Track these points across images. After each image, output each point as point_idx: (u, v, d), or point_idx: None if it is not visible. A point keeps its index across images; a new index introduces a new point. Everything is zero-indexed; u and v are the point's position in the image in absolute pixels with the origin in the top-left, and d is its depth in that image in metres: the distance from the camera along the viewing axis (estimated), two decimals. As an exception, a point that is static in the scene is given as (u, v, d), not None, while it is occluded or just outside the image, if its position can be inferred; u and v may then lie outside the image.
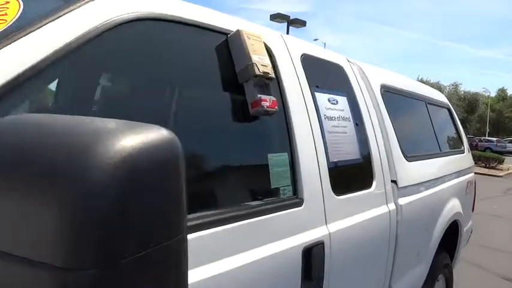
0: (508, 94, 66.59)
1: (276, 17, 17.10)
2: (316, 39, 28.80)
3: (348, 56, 2.74)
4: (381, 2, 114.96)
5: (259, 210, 1.24)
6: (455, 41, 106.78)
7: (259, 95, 1.25)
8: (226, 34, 1.31)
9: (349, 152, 1.75)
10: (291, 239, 1.30)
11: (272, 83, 1.37)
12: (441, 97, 3.54)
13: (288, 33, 16.71)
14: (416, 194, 2.29)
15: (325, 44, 27.73)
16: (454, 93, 26.85)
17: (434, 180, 2.60)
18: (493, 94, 56.97)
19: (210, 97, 1.28)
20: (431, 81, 26.02)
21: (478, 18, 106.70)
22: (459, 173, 3.32)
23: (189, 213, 0.60)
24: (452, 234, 3.11)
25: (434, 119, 3.06)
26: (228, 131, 1.27)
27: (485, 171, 17.14)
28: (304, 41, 1.75)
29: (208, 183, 1.19)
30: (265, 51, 1.34)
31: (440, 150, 2.95)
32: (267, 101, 1.26)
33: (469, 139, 20.72)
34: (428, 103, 3.03)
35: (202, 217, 1.03)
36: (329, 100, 1.71)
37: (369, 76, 2.18)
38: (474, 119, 33.32)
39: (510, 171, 17.99)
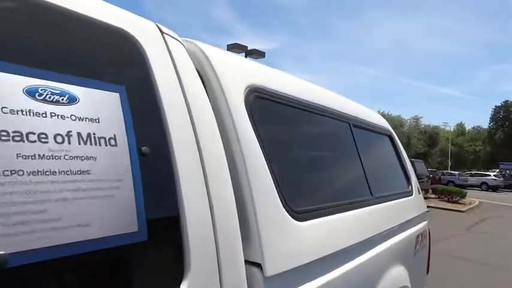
0: (467, 129, 69.60)
1: (233, 47, 16.56)
2: (281, 73, 28.56)
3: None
4: (348, 43, 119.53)
5: None
6: (416, 78, 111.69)
7: None
8: None
9: (91, 219, 0.71)
10: None
11: None
12: (378, 119, 2.63)
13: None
14: (311, 280, 1.27)
15: (289, 77, 27.44)
16: (415, 127, 26.84)
17: (354, 246, 1.60)
18: (452, 129, 59.20)
19: None
20: (393, 115, 26.01)
21: (436, 58, 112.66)
22: (404, 225, 2.36)
23: None
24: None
25: (364, 148, 2.12)
26: None
27: (448, 205, 16.66)
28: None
29: None
30: None
31: (371, 194, 1.98)
32: None
33: (432, 172, 20.60)
34: (355, 125, 2.09)
35: None
36: (33, 93, 0.69)
37: (218, 66, 1.19)
38: (436, 153, 33.62)
39: (472, 205, 17.59)
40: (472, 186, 31.76)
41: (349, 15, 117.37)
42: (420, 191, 2.94)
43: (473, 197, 20.84)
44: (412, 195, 2.70)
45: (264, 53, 17.48)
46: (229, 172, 1.08)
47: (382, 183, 2.29)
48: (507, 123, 66.94)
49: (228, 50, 16.31)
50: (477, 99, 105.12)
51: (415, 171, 13.13)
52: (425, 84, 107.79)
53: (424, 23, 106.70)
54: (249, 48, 16.80)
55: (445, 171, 35.43)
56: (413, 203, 2.69)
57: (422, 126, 27.84)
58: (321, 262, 1.34)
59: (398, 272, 2.13)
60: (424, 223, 2.82)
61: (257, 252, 1.08)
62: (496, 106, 69.84)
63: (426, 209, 2.96)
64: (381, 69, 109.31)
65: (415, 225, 2.56)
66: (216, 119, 1.15)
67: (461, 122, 69.11)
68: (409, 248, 2.37)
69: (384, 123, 2.72)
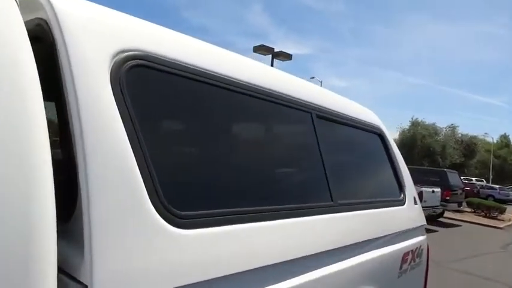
0: (511, 141, 65.60)
1: (260, 49, 16.30)
2: (313, 77, 28.05)
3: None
4: (385, 49, 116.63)
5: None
6: (457, 87, 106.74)
7: None
8: None
9: None
10: None
11: None
12: (365, 114, 2.24)
13: (272, 65, 15.86)
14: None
15: (321, 82, 26.86)
16: (451, 135, 25.26)
17: (290, 263, 1.26)
18: (495, 140, 56.10)
19: None
20: (427, 122, 24.69)
21: (478, 66, 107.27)
22: (386, 240, 1.97)
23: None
24: None
25: (331, 145, 1.76)
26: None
27: (485, 221, 15.50)
28: None
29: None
30: None
31: (332, 200, 1.62)
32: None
33: (469, 185, 19.21)
34: (321, 117, 1.73)
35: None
36: None
37: (68, 20, 0.90)
38: (474, 164, 31.66)
39: (511, 222, 16.30)
40: (514, 201, 29.65)
41: (389, 20, 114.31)
42: (418, 201, 2.52)
43: (515, 214, 19.35)
44: (403, 204, 2.29)
45: (291, 55, 17.03)
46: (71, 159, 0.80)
47: (355, 188, 1.91)
48: (557, 136, 62.29)
49: (254, 51, 16.07)
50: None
51: (447, 182, 12.15)
52: (466, 93, 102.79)
53: (469, 29, 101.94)
54: (275, 50, 16.47)
55: (484, 185, 33.34)
56: (404, 214, 2.27)
57: (459, 135, 26.16)
58: (219, 283, 1.02)
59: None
60: (419, 239, 2.39)
61: (86, 268, 0.78)
62: (544, 117, 65.18)
63: (424, 223, 2.53)
64: (419, 77, 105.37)
65: (403, 241, 2.15)
66: (59, 87, 0.87)
67: (505, 134, 65.31)
68: (389, 267, 1.98)
69: (373, 120, 2.33)
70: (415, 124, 23.71)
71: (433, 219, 13.52)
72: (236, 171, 1.26)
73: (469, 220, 15.31)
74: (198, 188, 1.10)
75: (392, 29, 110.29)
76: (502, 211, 17.01)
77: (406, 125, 24.21)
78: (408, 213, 2.33)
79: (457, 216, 15.68)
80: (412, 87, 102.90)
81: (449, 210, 14.47)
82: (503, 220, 16.37)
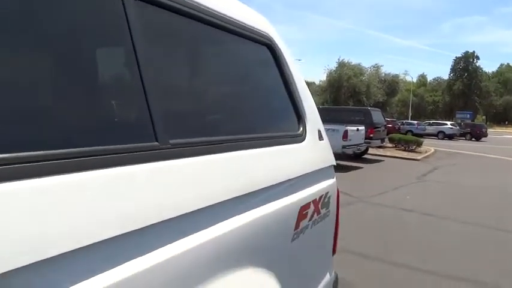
0: (428, 80, 70.93)
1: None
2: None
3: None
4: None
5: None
6: (381, 30, 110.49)
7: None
8: None
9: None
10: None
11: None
12: (241, 12, 1.50)
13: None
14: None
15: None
16: (375, 75, 26.03)
17: None
18: (414, 80, 60.04)
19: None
20: (353, 63, 24.99)
21: (401, 10, 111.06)
22: (272, 192, 1.36)
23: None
24: None
25: (162, 52, 1.03)
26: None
27: (405, 154, 16.44)
28: None
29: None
30: None
31: (156, 140, 0.92)
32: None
33: (391, 122, 20.27)
34: (147, 0, 0.98)
35: None
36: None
37: None
38: (395, 102, 33.50)
39: (427, 154, 17.47)
40: (429, 135, 32.31)
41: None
42: (324, 135, 1.94)
43: (430, 146, 20.85)
44: (303, 141, 1.68)
45: None
46: None
47: (210, 120, 1.23)
48: (466, 74, 68.42)
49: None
50: (440, 51, 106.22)
51: (371, 120, 12.34)
52: (390, 36, 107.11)
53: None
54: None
55: (404, 121, 35.76)
56: (304, 154, 1.68)
57: (383, 74, 27.06)
58: None
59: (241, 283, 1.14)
60: (325, 184, 1.83)
61: None
62: (456, 57, 70.81)
63: (333, 162, 1.97)
64: (348, 21, 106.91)
65: (301, 189, 1.56)
66: None
67: (423, 73, 70.09)
68: (277, 230, 1.38)
69: (260, 25, 1.60)
70: (341, 65, 23.88)
71: (358, 156, 13.93)
72: None
73: (390, 155, 16.09)
74: None
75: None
76: (420, 144, 18.17)
77: (334, 66, 24.38)
78: (310, 151, 1.73)
79: (380, 152, 16.39)
80: (341, 32, 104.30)
81: (373, 147, 15.00)
82: (420, 152, 17.51)
